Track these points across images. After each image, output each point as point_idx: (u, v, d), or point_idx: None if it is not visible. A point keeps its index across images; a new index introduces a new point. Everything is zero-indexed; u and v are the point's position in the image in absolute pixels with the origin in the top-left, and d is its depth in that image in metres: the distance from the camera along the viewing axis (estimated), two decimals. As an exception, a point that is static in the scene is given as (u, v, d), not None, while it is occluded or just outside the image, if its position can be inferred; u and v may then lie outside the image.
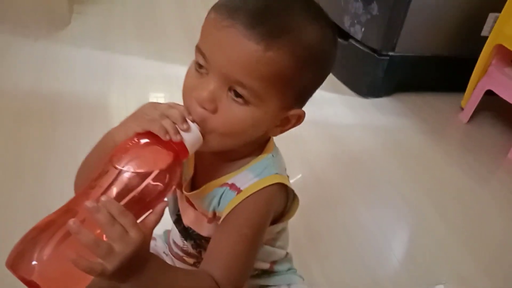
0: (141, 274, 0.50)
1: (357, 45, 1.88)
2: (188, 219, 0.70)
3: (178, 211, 0.72)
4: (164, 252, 0.81)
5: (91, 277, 0.48)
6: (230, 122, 0.54)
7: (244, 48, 0.50)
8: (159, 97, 1.72)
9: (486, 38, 1.69)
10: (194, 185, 0.65)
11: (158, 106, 0.55)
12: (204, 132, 0.54)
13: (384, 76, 1.86)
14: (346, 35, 1.94)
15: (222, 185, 0.62)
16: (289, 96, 0.56)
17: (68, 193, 1.14)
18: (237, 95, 0.53)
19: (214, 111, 0.54)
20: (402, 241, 1.19)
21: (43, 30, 2.04)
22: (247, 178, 0.60)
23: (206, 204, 0.64)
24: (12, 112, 1.46)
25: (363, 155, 1.52)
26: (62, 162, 1.26)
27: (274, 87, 0.53)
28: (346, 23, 1.93)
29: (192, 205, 0.67)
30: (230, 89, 0.53)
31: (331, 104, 1.77)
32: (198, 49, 0.55)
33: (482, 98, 1.72)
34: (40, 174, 1.20)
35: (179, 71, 2.08)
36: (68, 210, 0.50)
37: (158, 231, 0.82)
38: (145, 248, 0.50)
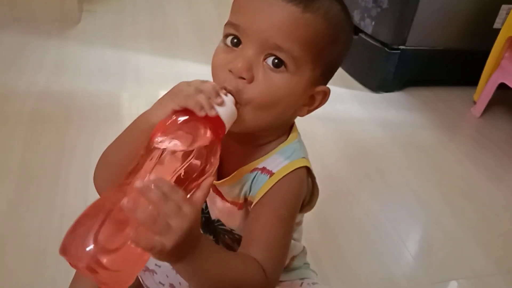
0: (194, 253, 0.49)
1: (368, 39, 1.87)
2: (215, 209, 0.69)
3: None
4: None
5: (147, 259, 0.48)
6: (268, 90, 0.55)
7: (283, 10, 0.52)
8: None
9: (498, 30, 1.67)
10: (221, 174, 0.65)
11: (192, 82, 0.54)
12: (240, 105, 0.54)
13: (395, 70, 1.84)
14: (356, 29, 1.93)
15: (252, 171, 0.62)
16: (319, 67, 0.57)
17: (82, 193, 1.17)
18: (274, 61, 0.54)
19: (251, 80, 0.54)
20: (415, 237, 1.19)
21: (54, 29, 2.05)
22: (278, 161, 0.61)
23: (236, 192, 0.64)
24: (25, 112, 1.48)
25: (374, 150, 1.51)
26: (77, 162, 1.27)
27: (310, 52, 0.55)
28: (356, 17, 1.92)
29: (219, 194, 0.67)
30: (265, 57, 0.54)
31: (342, 100, 1.76)
32: (230, 23, 0.56)
33: (495, 91, 1.70)
34: (54, 174, 1.22)
35: (190, 69, 2.11)
36: (115, 193, 0.48)
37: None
38: (198, 225, 0.50)
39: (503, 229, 1.23)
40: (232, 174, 0.63)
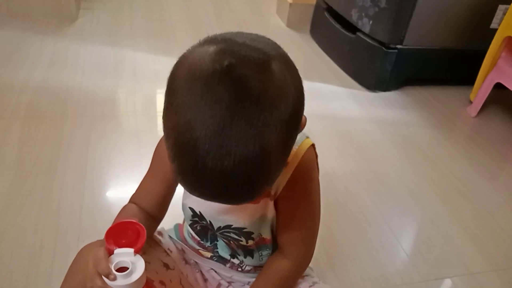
0: None
1: (365, 38, 1.88)
2: (224, 212, 0.70)
3: (194, 216, 0.73)
4: (168, 249, 0.81)
5: None
6: None
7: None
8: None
9: (495, 30, 1.68)
10: None
11: (86, 271, 0.57)
12: None
13: (392, 69, 1.85)
14: (353, 28, 1.94)
15: None
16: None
17: (79, 188, 1.17)
18: None
19: None
20: (410, 235, 1.19)
21: (51, 25, 2.05)
22: None
23: None
24: (22, 107, 1.47)
25: (370, 149, 1.52)
26: (73, 157, 1.28)
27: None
28: (353, 16, 1.93)
29: None
30: None
31: (338, 98, 1.77)
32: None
33: (491, 91, 1.71)
34: (51, 169, 1.22)
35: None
36: None
37: (168, 225, 0.83)
38: None
39: (497, 227, 1.24)
40: None
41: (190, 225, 0.76)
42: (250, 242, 0.73)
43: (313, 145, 0.67)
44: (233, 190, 0.46)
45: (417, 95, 1.89)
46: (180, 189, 0.71)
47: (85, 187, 1.17)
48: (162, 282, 0.76)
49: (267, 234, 0.72)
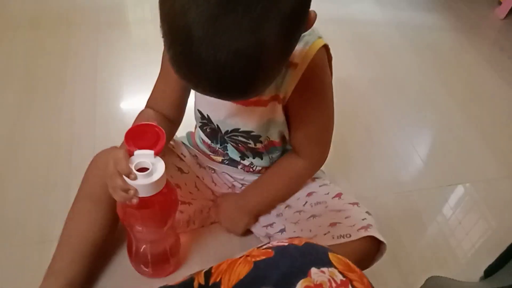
0: (251, 212, 0.79)
1: None
2: (232, 116, 0.69)
3: (202, 118, 0.72)
4: (182, 154, 0.82)
5: None
6: None
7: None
8: None
9: None
10: None
11: (109, 161, 0.57)
12: None
13: (417, -33, 1.70)
14: None
15: None
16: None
17: (90, 99, 1.16)
18: None
19: None
20: (426, 142, 1.18)
21: None
22: (297, 50, 0.60)
23: None
24: (26, 17, 1.42)
25: (389, 54, 1.45)
26: (82, 67, 1.25)
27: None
28: None
29: (237, 102, 0.67)
30: None
31: (357, 0, 1.66)
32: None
33: (524, -11, 1.58)
34: (61, 80, 1.20)
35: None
36: None
37: (180, 133, 0.83)
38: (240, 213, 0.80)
39: (516, 134, 1.21)
40: None
41: (200, 127, 0.76)
42: (259, 145, 0.73)
43: (326, 46, 0.63)
44: (227, 84, 0.44)
45: (442, -4, 1.76)
46: (193, 92, 0.70)
47: (96, 96, 1.16)
48: (177, 185, 0.78)
49: (275, 137, 0.72)
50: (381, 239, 0.67)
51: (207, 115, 0.71)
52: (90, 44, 1.32)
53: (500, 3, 1.70)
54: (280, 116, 0.67)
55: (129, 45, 1.33)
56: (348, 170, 1.05)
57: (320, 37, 0.62)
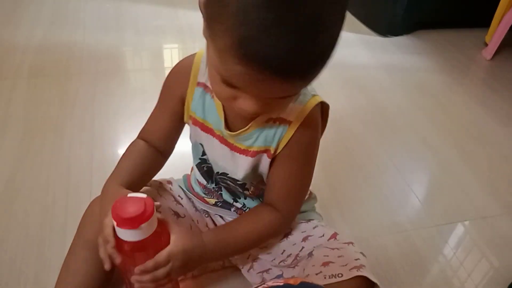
0: (206, 257, 0.66)
1: (375, -19, 1.80)
2: (221, 160, 0.70)
3: (203, 154, 0.73)
4: (179, 196, 0.82)
5: None
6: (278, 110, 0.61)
7: (282, 89, 0.49)
8: (172, 47, 1.70)
9: (513, -33, 1.59)
10: (234, 125, 0.66)
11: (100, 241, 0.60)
12: None
13: (404, 13, 1.78)
14: (363, -29, 1.85)
15: (267, 121, 0.64)
16: None
17: (88, 144, 1.17)
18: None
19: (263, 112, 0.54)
20: (422, 182, 1.18)
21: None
22: (292, 107, 0.62)
23: (251, 141, 0.66)
24: (25, 67, 1.46)
25: (381, 96, 1.48)
26: (79, 114, 1.27)
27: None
28: (363, -42, 1.83)
29: (229, 145, 0.68)
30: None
31: (348, 44, 1.71)
32: (227, 82, 0.50)
33: (507, 33, 1.64)
34: (58, 127, 1.22)
35: (191, 19, 2.05)
36: None
37: (178, 175, 0.83)
38: (188, 254, 0.62)
39: (511, 172, 1.22)
40: (248, 126, 0.64)
41: (198, 165, 0.76)
42: (247, 192, 0.74)
43: (324, 103, 0.65)
44: (303, 48, 0.43)
45: (429, 39, 1.83)
46: (187, 131, 0.71)
47: (94, 143, 1.17)
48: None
49: (261, 184, 0.73)
50: (374, 280, 0.66)
51: (205, 152, 0.72)
52: (88, 92, 1.35)
53: (486, 45, 1.76)
54: (265, 168, 0.68)
55: (126, 93, 1.36)
56: (344, 211, 1.05)
57: (315, 95, 0.64)
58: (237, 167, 0.69)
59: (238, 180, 0.71)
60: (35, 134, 1.19)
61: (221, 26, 0.44)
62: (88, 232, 0.69)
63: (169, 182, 0.83)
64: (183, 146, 0.78)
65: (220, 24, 0.44)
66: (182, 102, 0.69)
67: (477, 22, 1.86)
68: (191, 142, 0.75)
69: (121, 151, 1.16)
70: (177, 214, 0.79)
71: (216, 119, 0.67)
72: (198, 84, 0.67)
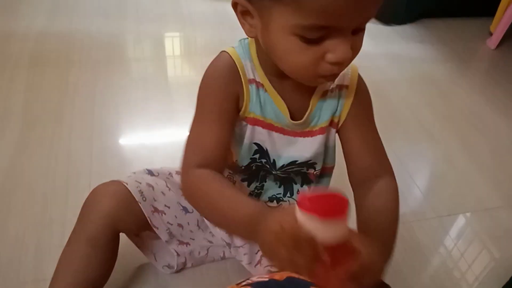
0: None
1: (379, -32, 1.77)
2: (287, 150, 0.68)
3: (254, 153, 0.68)
4: None
5: None
6: (357, 53, 0.59)
7: (370, 10, 0.51)
8: (173, 35, 1.68)
9: (520, -46, 1.56)
10: (296, 112, 0.65)
11: (282, 247, 0.45)
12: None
13: (408, 1, 1.75)
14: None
15: (324, 93, 0.65)
16: None
17: (87, 135, 1.16)
18: (357, 31, 0.55)
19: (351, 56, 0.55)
20: (424, 173, 1.17)
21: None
22: (343, 74, 0.65)
23: (315, 120, 0.66)
24: (25, 55, 1.45)
25: (385, 86, 1.47)
26: (80, 104, 1.26)
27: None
28: None
29: (293, 133, 0.66)
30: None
31: (351, 34, 1.69)
32: (314, 27, 0.49)
33: (513, 21, 1.62)
34: (58, 117, 1.21)
35: (192, 7, 2.03)
36: None
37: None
38: None
39: (514, 163, 1.21)
40: (309, 107, 0.65)
41: (246, 166, 0.70)
42: (311, 170, 0.72)
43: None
44: None
45: (434, 28, 1.80)
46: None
47: (93, 133, 1.16)
48: (179, 225, 0.76)
49: (331, 162, 0.74)
50: None
51: (266, 148, 0.68)
52: (88, 81, 1.34)
53: (491, 34, 1.74)
54: (333, 141, 0.69)
55: (127, 82, 1.35)
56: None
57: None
58: (306, 149, 0.67)
59: (309, 160, 0.68)
60: (35, 124, 1.18)
61: None
62: (92, 228, 0.68)
63: (178, 172, 0.80)
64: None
65: None
66: (237, 103, 0.63)
67: (482, 11, 1.83)
68: (240, 144, 0.67)
69: (121, 140, 1.17)
70: (185, 209, 0.78)
71: (275, 112, 0.64)
72: (250, 81, 0.63)
